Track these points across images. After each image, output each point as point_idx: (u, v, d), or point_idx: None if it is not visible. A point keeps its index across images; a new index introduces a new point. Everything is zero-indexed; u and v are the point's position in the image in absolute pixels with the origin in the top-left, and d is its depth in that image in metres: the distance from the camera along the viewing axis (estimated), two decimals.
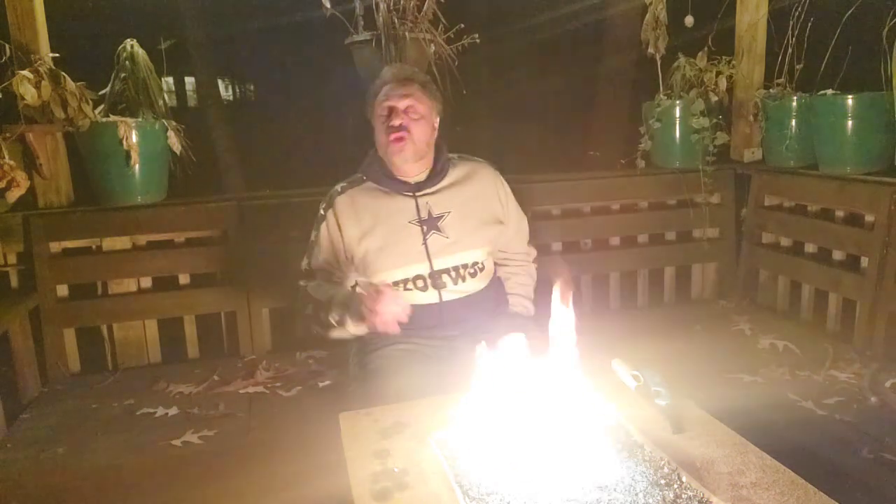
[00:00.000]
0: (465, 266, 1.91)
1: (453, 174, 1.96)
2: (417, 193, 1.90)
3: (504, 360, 1.33)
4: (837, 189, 2.81)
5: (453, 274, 1.89)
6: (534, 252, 2.14)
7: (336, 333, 1.79)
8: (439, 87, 2.04)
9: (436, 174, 1.93)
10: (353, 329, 1.74)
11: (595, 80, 5.59)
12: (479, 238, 1.94)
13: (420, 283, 1.87)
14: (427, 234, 1.87)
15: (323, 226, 1.91)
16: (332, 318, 1.75)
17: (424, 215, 1.88)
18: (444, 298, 1.89)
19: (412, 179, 1.91)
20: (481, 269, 1.95)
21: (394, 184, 1.91)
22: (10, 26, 2.64)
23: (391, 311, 1.61)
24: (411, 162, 1.88)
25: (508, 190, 2.05)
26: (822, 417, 2.15)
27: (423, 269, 1.87)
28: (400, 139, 1.82)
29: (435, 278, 1.87)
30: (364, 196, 1.91)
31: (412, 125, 1.83)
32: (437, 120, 1.94)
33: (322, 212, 1.92)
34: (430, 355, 1.89)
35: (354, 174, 1.98)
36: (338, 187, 1.95)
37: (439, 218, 1.89)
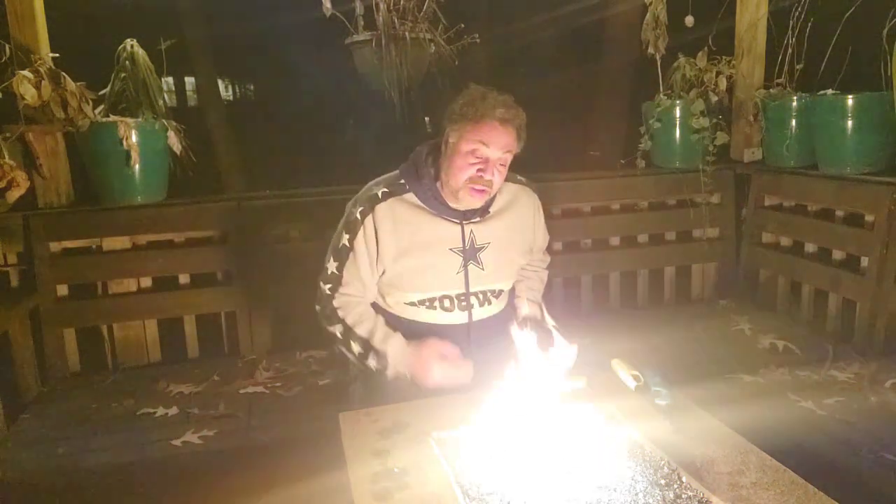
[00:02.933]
0: (492, 292, 1.88)
1: (499, 201, 1.86)
2: (464, 221, 1.79)
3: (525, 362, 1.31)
4: (837, 189, 2.81)
5: (480, 297, 1.85)
6: (548, 258, 2.12)
7: (366, 368, 1.77)
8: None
9: (485, 209, 1.82)
10: (390, 376, 1.74)
11: (595, 80, 5.58)
12: (511, 270, 1.90)
13: (447, 302, 1.83)
14: (466, 262, 1.80)
15: (360, 234, 1.75)
16: (370, 364, 1.74)
17: (467, 245, 1.79)
18: (472, 318, 1.84)
19: (461, 207, 1.79)
20: (503, 292, 1.94)
21: (442, 207, 1.77)
22: (10, 26, 2.64)
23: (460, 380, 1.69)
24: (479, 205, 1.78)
25: (542, 216, 1.98)
26: (822, 417, 2.15)
27: (453, 293, 1.82)
28: (483, 192, 1.71)
29: (461, 301, 1.84)
30: (406, 210, 1.77)
31: (497, 174, 1.71)
32: None
33: (358, 216, 1.76)
34: None
35: (395, 176, 1.82)
36: (377, 192, 1.78)
37: (480, 249, 1.81)
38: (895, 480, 1.82)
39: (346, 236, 1.78)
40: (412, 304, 1.82)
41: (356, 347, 1.75)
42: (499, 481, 1.17)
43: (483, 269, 1.81)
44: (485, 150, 1.67)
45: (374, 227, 1.74)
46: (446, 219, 1.78)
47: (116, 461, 2.09)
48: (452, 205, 1.77)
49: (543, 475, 1.17)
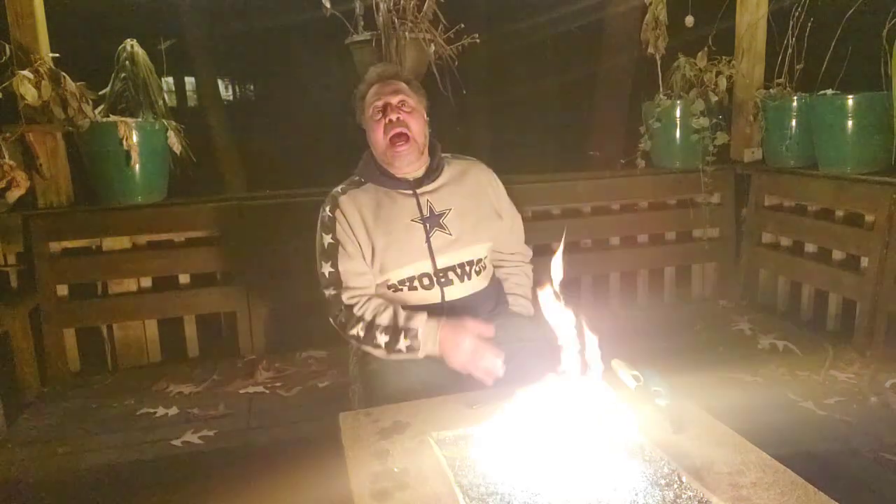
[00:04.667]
0: (469, 263, 1.90)
1: (448, 172, 1.96)
2: (418, 191, 1.89)
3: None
4: (837, 189, 2.81)
5: (459, 272, 1.89)
6: (530, 252, 2.14)
7: (396, 357, 1.77)
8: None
9: (433, 170, 1.92)
10: (421, 355, 1.75)
11: (595, 80, 5.58)
12: (480, 234, 1.94)
13: (426, 280, 1.86)
14: (430, 231, 1.86)
15: (337, 227, 1.86)
16: (401, 348, 1.75)
17: (426, 213, 1.88)
18: (447, 298, 1.88)
19: (410, 177, 1.90)
20: (484, 268, 1.95)
21: (393, 182, 1.90)
22: (10, 26, 2.64)
23: (489, 367, 1.68)
24: (414, 161, 1.87)
25: (501, 186, 2.05)
26: (822, 417, 2.15)
27: (428, 268, 1.86)
28: (401, 135, 1.82)
29: (440, 276, 1.87)
30: (364, 196, 1.89)
31: (408, 119, 1.84)
32: (425, 115, 1.94)
33: (330, 213, 1.87)
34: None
35: (352, 177, 1.97)
36: (338, 189, 1.93)
37: (441, 215, 1.88)
38: (895, 480, 1.82)
39: (328, 235, 1.87)
40: (395, 288, 1.86)
41: (382, 339, 1.76)
42: (499, 481, 1.17)
43: (451, 235, 1.87)
44: (380, 102, 1.85)
45: (344, 216, 1.86)
46: (401, 192, 1.89)
47: (116, 461, 2.09)
48: (400, 176, 1.89)
49: (543, 475, 1.16)
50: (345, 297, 1.82)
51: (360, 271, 1.84)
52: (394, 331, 1.76)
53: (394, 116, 1.82)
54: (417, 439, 1.33)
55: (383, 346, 1.76)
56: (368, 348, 1.80)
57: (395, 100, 1.84)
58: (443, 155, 1.99)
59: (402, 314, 1.78)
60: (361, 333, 1.78)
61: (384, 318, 1.78)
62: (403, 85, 1.89)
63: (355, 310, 1.80)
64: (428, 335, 1.74)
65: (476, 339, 1.72)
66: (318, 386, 2.56)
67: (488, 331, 1.74)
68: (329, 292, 1.84)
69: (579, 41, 6.12)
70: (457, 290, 1.88)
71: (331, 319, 1.85)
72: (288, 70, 7.96)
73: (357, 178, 1.94)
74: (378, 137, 1.84)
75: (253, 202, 2.93)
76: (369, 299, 1.82)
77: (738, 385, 2.40)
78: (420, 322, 1.75)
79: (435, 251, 1.85)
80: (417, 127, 1.85)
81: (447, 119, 2.00)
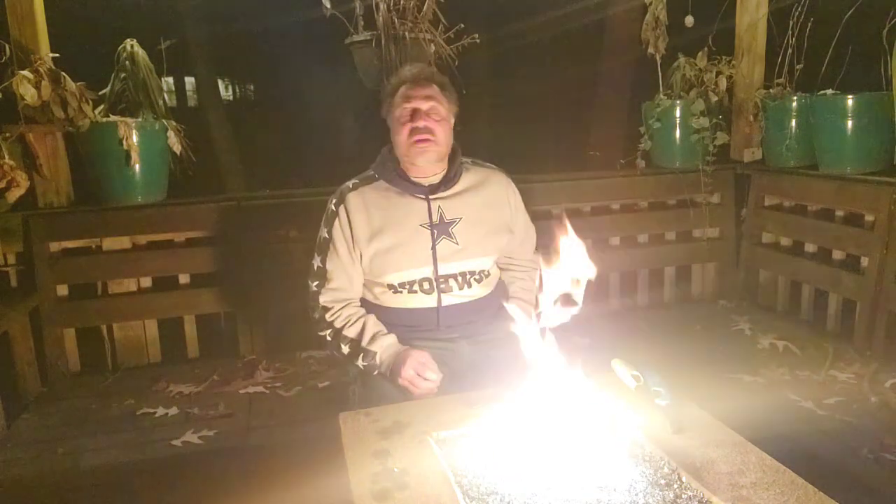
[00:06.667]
0: (471, 272, 1.89)
1: (466, 179, 1.93)
2: (431, 196, 1.87)
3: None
4: (837, 189, 2.81)
5: (459, 279, 1.88)
6: (540, 260, 2.13)
7: (354, 367, 1.82)
8: (458, 85, 1.99)
9: (450, 178, 1.90)
10: (375, 374, 1.79)
11: (595, 80, 5.58)
12: (488, 246, 1.92)
13: (426, 285, 1.86)
14: (437, 238, 1.84)
15: (335, 223, 1.86)
16: (359, 364, 1.79)
17: (436, 219, 1.85)
18: (444, 303, 1.88)
19: (426, 182, 1.88)
20: (487, 276, 1.94)
21: (407, 185, 1.87)
22: (10, 26, 2.64)
23: (426, 385, 1.69)
24: (434, 163, 1.86)
25: (519, 198, 2.02)
26: (822, 417, 2.15)
27: (429, 273, 1.85)
28: (425, 141, 1.80)
29: (440, 282, 1.86)
30: (376, 195, 1.88)
31: (436, 127, 1.82)
32: (453, 121, 1.92)
33: (333, 208, 1.88)
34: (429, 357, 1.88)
35: (366, 172, 1.95)
36: (349, 184, 1.92)
37: (451, 223, 1.86)
38: (895, 480, 1.82)
39: (325, 229, 1.88)
40: (395, 290, 1.86)
41: (345, 349, 1.81)
42: (499, 481, 1.17)
43: (458, 244, 1.85)
44: (409, 105, 1.82)
45: (347, 213, 1.85)
46: (414, 196, 1.87)
47: (116, 461, 2.10)
48: (416, 179, 1.87)
49: (543, 475, 1.16)
50: (322, 298, 1.85)
51: (346, 271, 1.85)
52: (356, 347, 1.79)
53: (421, 124, 1.80)
54: (417, 439, 1.33)
55: (346, 355, 1.82)
56: (333, 352, 1.85)
57: (425, 106, 1.82)
58: (463, 160, 1.96)
59: (368, 333, 1.80)
60: (329, 338, 1.84)
61: (351, 332, 1.81)
62: (437, 90, 1.85)
63: (328, 315, 1.84)
64: (384, 362, 1.77)
65: (418, 363, 1.72)
66: (318, 386, 2.56)
67: (430, 360, 1.74)
68: (312, 284, 1.87)
69: (579, 41, 6.12)
70: (454, 297, 1.88)
71: (309, 311, 1.88)
72: (288, 70, 7.97)
73: (371, 173, 1.92)
74: (402, 139, 1.83)
75: (253, 202, 2.93)
76: (344, 306, 1.85)
77: (738, 385, 2.40)
78: (380, 347, 1.78)
79: (439, 259, 1.84)
80: (443, 135, 1.83)
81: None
